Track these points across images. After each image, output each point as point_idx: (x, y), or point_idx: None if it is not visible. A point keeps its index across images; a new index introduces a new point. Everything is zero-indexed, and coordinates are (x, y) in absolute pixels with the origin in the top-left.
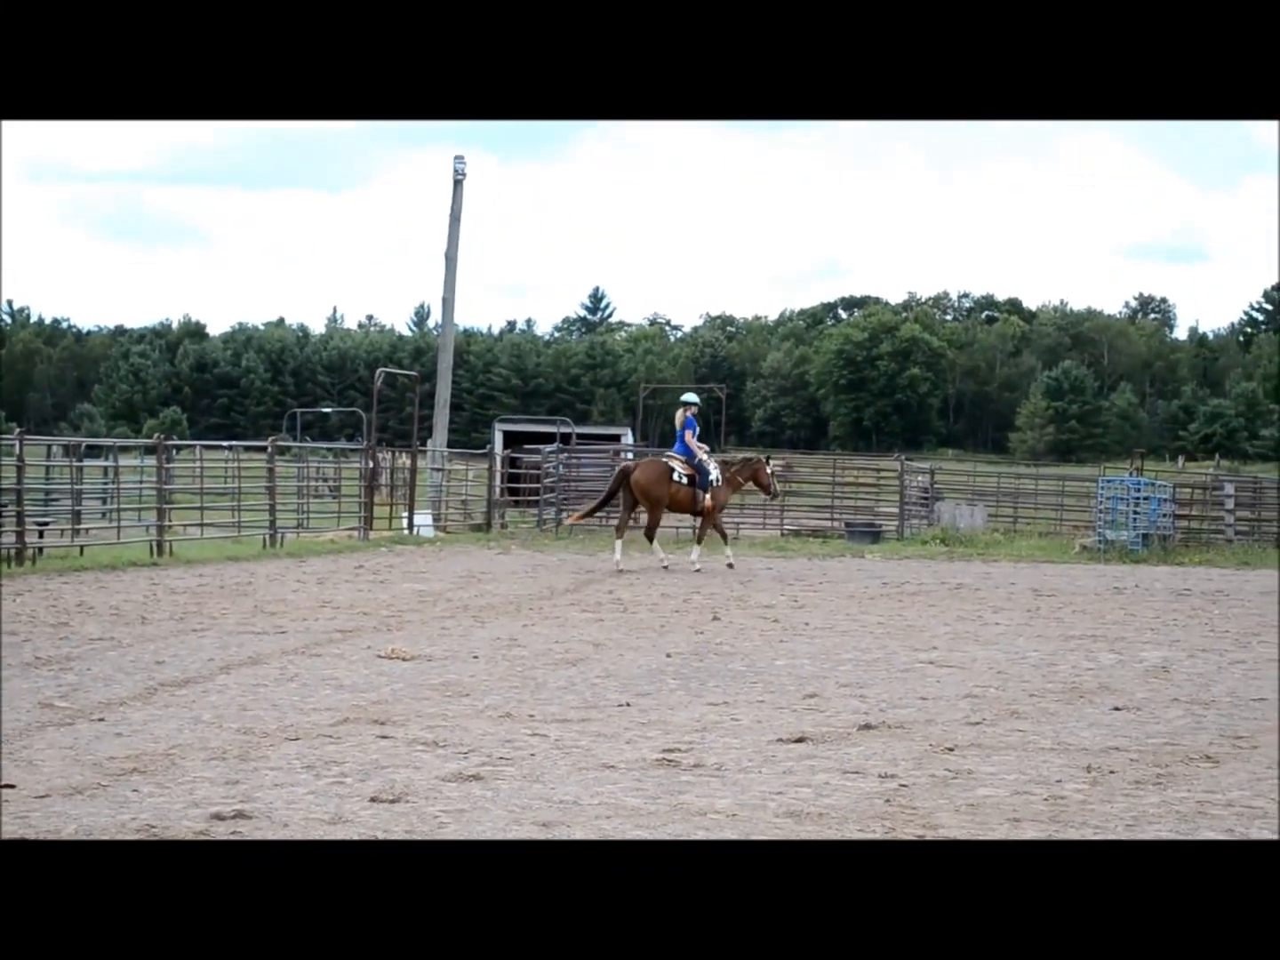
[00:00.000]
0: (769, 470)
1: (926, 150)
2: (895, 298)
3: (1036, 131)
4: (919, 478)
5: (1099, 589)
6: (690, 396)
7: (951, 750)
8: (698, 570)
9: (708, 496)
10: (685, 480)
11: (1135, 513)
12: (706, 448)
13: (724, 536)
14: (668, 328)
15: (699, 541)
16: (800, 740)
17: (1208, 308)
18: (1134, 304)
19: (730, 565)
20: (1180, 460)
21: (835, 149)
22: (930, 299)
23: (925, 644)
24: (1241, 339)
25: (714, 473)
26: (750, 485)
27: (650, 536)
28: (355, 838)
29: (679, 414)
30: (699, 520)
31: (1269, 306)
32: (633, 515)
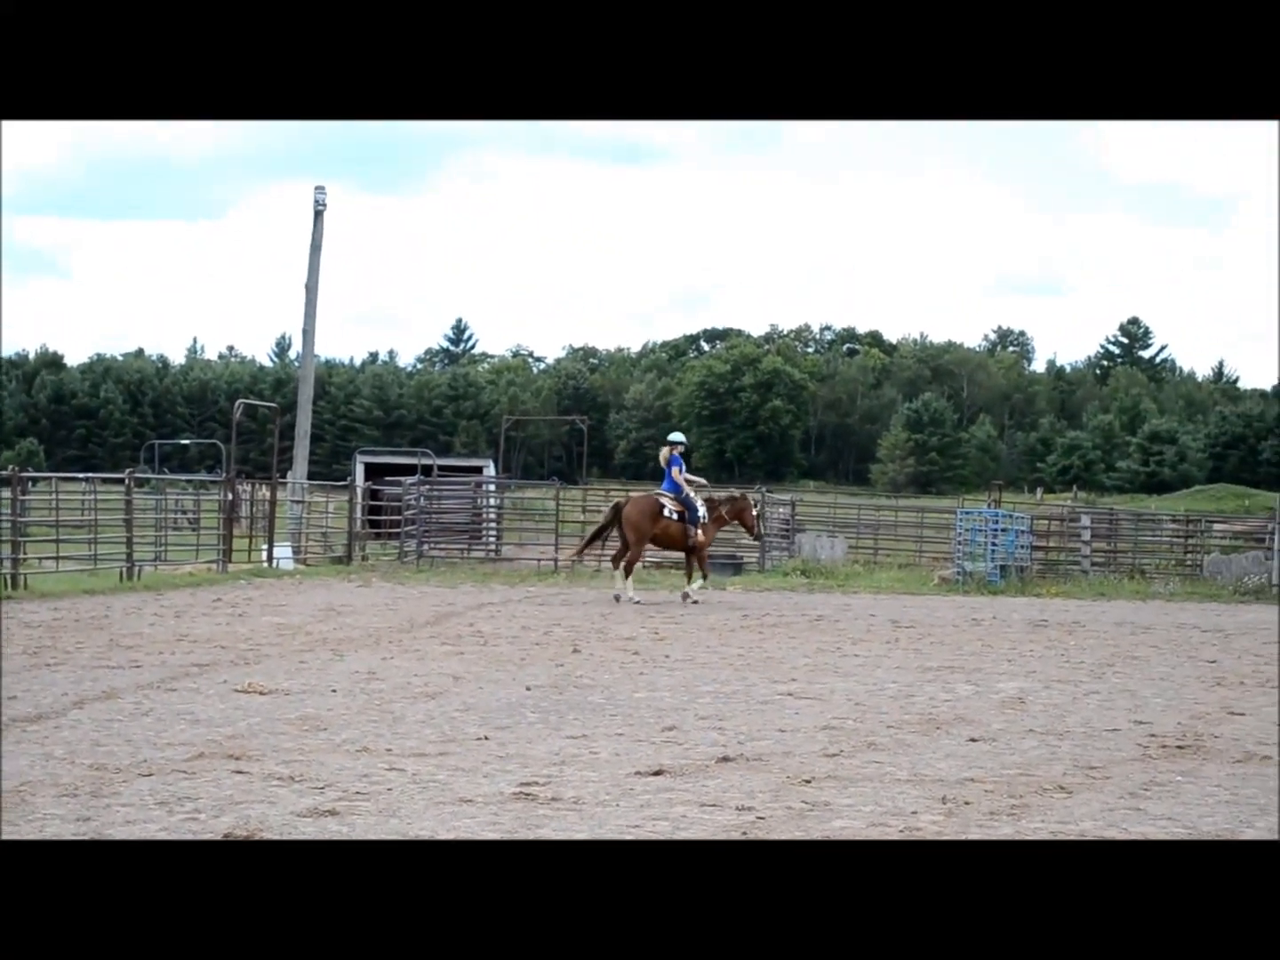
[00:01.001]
0: (754, 511)
1: (787, 183)
2: (757, 330)
3: (897, 165)
4: (780, 509)
5: (957, 620)
6: (677, 436)
7: (809, 782)
8: (695, 603)
9: (698, 532)
10: (675, 516)
11: (993, 544)
12: (702, 481)
13: (705, 573)
14: (530, 359)
15: (690, 577)
16: (658, 773)
17: (1065, 341)
18: (993, 337)
19: (696, 600)
20: (1038, 492)
21: (695, 181)
22: (792, 331)
23: (784, 676)
24: (1098, 372)
25: (701, 509)
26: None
27: (628, 571)
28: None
29: (664, 452)
30: (687, 556)
31: (1125, 340)
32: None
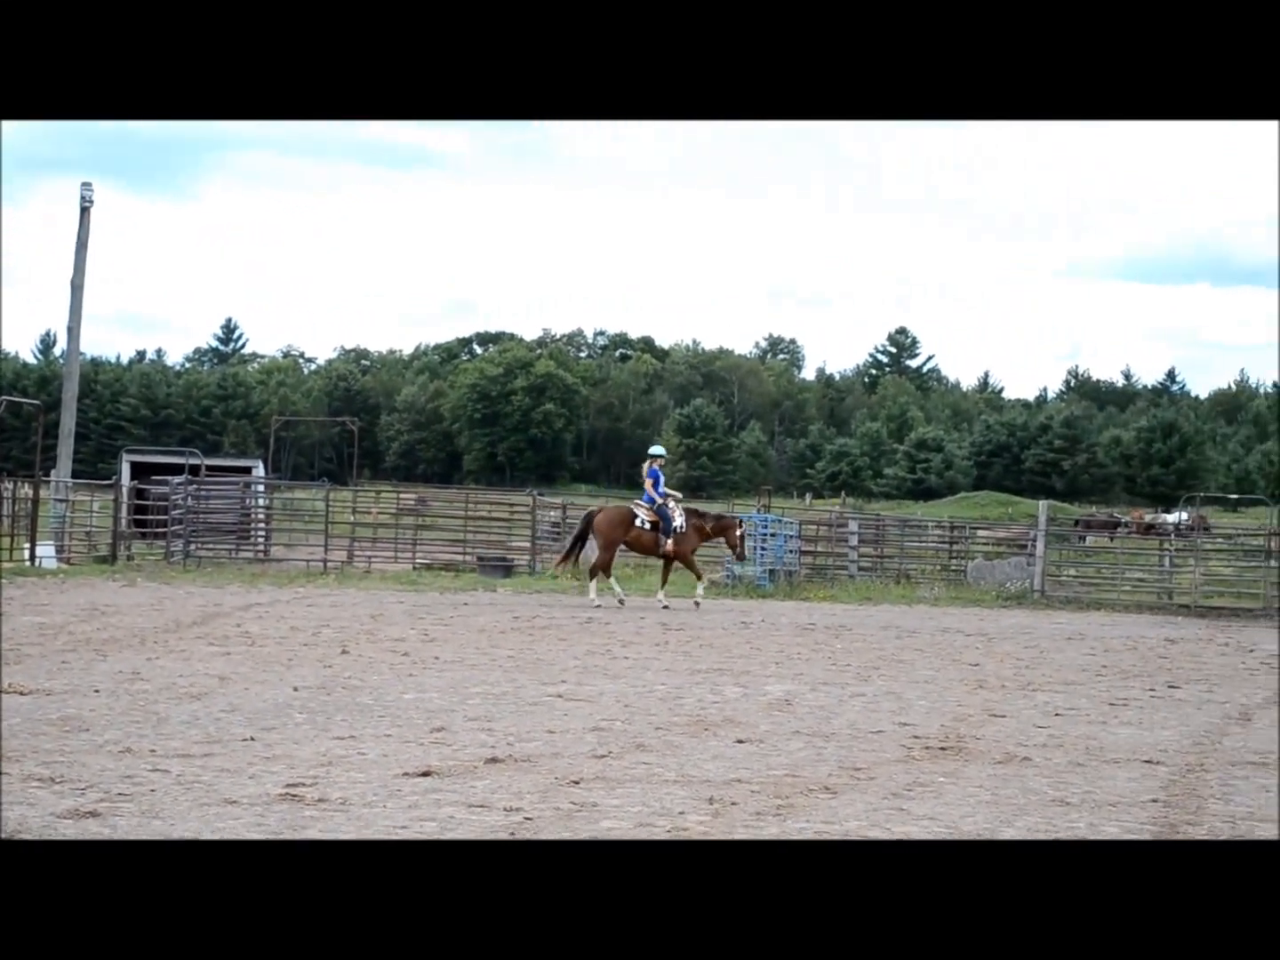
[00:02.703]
0: (738, 534)
1: (562, 190)
2: (530, 334)
3: (670, 173)
4: (551, 513)
5: (726, 624)
6: (657, 449)
7: (577, 783)
8: (664, 608)
9: (669, 541)
10: (648, 526)
11: (762, 549)
12: (678, 495)
13: (698, 574)
14: (301, 360)
15: (664, 583)
16: (426, 774)
17: (834, 349)
18: (764, 344)
19: (697, 604)
20: (807, 497)
21: (469, 186)
22: (565, 336)
23: (554, 678)
24: (867, 380)
25: (677, 520)
26: (720, 540)
27: (605, 573)
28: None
29: (645, 465)
30: (665, 564)
31: (893, 349)
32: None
